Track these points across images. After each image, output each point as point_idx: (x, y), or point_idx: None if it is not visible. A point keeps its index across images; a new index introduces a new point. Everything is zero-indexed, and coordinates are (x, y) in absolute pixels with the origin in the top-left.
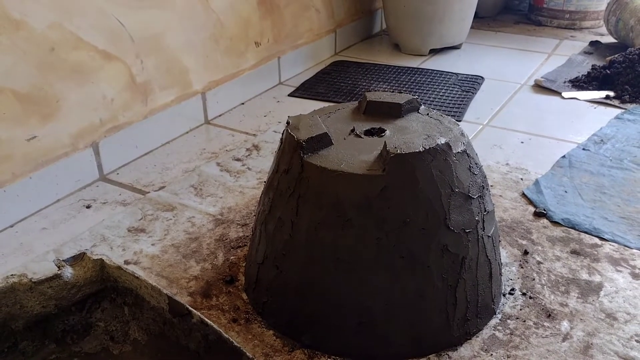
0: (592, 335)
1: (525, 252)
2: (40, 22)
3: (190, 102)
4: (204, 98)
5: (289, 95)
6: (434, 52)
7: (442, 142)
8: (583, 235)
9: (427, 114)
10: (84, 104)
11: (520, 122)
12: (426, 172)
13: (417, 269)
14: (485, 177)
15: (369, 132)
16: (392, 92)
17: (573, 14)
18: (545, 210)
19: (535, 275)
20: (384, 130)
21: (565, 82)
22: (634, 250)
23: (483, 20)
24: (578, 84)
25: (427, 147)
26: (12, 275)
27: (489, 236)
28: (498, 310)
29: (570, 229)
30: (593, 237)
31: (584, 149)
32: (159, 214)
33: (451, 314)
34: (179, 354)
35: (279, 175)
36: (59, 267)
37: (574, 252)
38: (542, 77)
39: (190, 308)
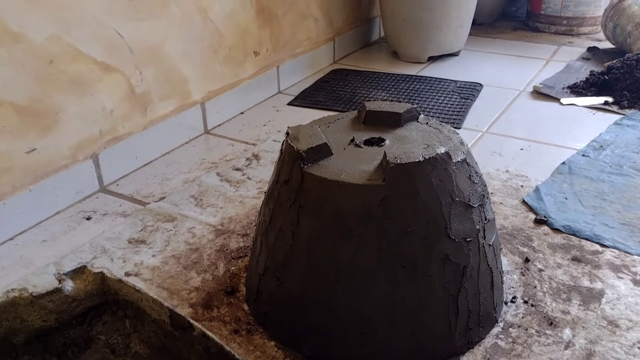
0: (594, 343)
1: (527, 260)
2: (39, 35)
3: (190, 112)
4: (204, 108)
5: (288, 104)
6: (433, 59)
7: (442, 152)
8: (584, 242)
9: (427, 123)
10: (83, 116)
11: (519, 129)
12: (426, 182)
13: (418, 279)
14: (485, 185)
15: (369, 142)
16: (391, 100)
17: (570, 20)
18: (545, 217)
19: (536, 282)
20: (383, 140)
21: (563, 88)
22: (635, 257)
23: (481, 27)
24: (576, 90)
25: (427, 157)
26: (12, 289)
27: (490, 245)
28: (500, 319)
29: (571, 236)
30: (594, 244)
31: (583, 155)
32: (159, 225)
33: (453, 323)
34: None
35: (279, 186)
36: (59, 281)
37: (575, 259)
38: (540, 84)
39: (191, 321)
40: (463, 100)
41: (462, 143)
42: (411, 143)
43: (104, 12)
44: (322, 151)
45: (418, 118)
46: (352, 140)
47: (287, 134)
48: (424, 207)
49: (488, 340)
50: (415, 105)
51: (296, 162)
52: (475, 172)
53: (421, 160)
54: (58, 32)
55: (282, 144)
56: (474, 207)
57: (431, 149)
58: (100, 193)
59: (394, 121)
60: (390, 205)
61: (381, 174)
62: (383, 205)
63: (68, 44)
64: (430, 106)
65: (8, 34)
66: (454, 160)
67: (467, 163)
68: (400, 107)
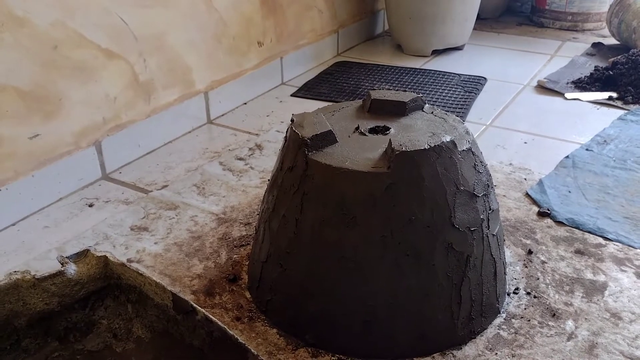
0: (597, 335)
1: (530, 252)
2: (43, 20)
3: (193, 102)
4: (207, 97)
5: (291, 95)
6: (437, 53)
7: (448, 140)
8: (587, 235)
9: (432, 112)
10: (86, 103)
11: (523, 123)
12: (431, 170)
13: (422, 267)
14: (490, 175)
15: (374, 130)
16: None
17: (575, 15)
18: (549, 210)
19: (539, 274)
20: (388, 128)
21: (568, 83)
22: (638, 250)
23: (485, 21)
24: (581, 85)
25: (433, 145)
26: (15, 271)
27: (493, 235)
28: (502, 310)
29: (574, 229)
30: (597, 237)
31: (587, 150)
32: (161, 213)
33: (456, 313)
34: (183, 351)
35: (283, 173)
36: (62, 264)
37: (578, 252)
38: (545, 78)
39: (194, 305)
40: (467, 93)
41: (467, 132)
42: (416, 131)
43: None
44: (326, 138)
45: (423, 107)
46: (357, 128)
47: (292, 120)
48: (428, 195)
49: (490, 331)
50: (421, 96)
51: (301, 149)
52: (480, 162)
53: (426, 148)
54: (62, 18)
55: (287, 131)
56: (478, 196)
57: (437, 137)
58: (102, 180)
59: (399, 110)
60: (395, 193)
61: (386, 161)
62: (388, 193)
63: (72, 29)
64: (434, 99)
65: (12, 18)
66: (459, 149)
67: (473, 152)
68: (406, 96)
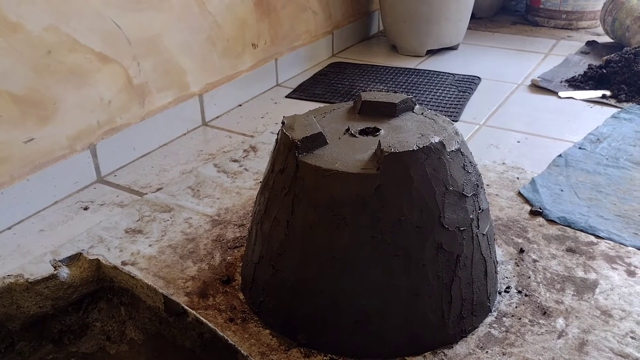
0: (587, 332)
1: (521, 251)
2: (36, 25)
3: (188, 104)
4: (201, 100)
5: (286, 96)
6: (431, 53)
7: (436, 141)
8: (579, 233)
9: (422, 113)
10: (81, 106)
11: (516, 122)
12: (420, 171)
13: (412, 267)
14: (479, 175)
15: (364, 132)
16: (387, 92)
17: (570, 14)
18: (541, 209)
19: (530, 273)
20: (378, 130)
21: (561, 81)
22: (630, 248)
23: (480, 21)
24: (574, 83)
25: (421, 146)
26: (8, 275)
27: (483, 234)
28: (494, 308)
29: (566, 227)
30: (589, 235)
31: (580, 148)
32: (156, 215)
33: (446, 312)
34: (175, 353)
35: (274, 175)
36: (55, 268)
37: (570, 250)
38: (538, 77)
39: (185, 307)
40: (461, 93)
41: (456, 133)
42: (406, 133)
43: (102, 2)
44: (317, 140)
45: (413, 108)
46: (348, 129)
47: (283, 123)
48: (417, 196)
49: (481, 329)
50: (412, 97)
51: (291, 151)
52: (470, 162)
53: (415, 149)
54: (56, 23)
55: (278, 134)
56: (467, 196)
57: (425, 138)
58: (97, 184)
59: (389, 111)
60: (384, 194)
61: (375, 163)
62: (377, 194)
63: (66, 34)
64: (428, 99)
65: (6, 23)
66: (448, 150)
67: (462, 153)
68: (396, 98)
